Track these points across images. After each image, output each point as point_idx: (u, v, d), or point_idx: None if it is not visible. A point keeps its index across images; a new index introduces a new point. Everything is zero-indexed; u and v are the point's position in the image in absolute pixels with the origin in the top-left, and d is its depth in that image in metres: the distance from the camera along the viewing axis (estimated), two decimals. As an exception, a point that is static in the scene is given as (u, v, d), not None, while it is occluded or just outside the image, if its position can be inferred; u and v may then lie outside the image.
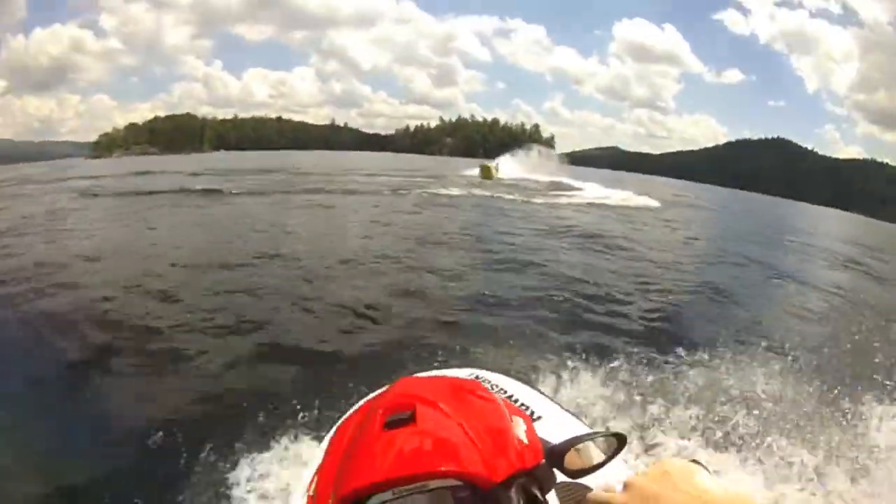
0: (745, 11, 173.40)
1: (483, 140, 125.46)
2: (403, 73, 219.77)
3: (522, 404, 1.51)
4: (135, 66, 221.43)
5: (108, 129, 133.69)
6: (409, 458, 0.97)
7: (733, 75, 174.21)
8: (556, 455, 1.09)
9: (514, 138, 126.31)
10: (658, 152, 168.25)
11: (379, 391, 1.35)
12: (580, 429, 1.41)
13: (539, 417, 1.44)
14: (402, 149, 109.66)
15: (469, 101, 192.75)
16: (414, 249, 12.35)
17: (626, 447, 1.11)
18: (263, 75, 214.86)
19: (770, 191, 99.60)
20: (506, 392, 1.55)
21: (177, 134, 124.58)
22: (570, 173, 48.91)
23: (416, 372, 1.67)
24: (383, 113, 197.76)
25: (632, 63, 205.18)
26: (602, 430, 1.45)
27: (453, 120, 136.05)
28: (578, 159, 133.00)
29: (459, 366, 1.85)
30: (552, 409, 1.60)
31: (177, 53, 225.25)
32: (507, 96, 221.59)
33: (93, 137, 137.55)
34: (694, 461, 0.96)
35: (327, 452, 1.15)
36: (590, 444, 1.12)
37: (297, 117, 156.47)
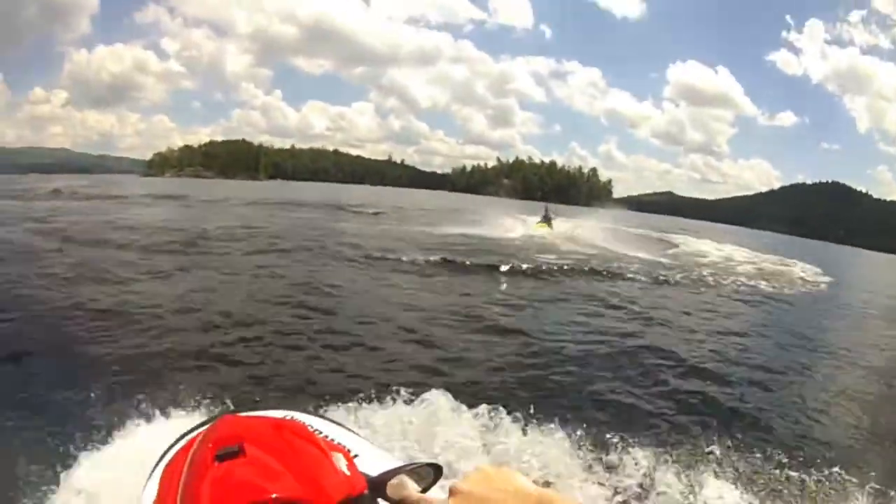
0: (796, 51, 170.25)
1: (541, 182, 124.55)
2: (461, 113, 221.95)
3: (338, 442, 1.47)
4: (195, 90, 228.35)
5: (163, 149, 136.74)
6: (244, 487, 1.00)
7: (786, 118, 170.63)
8: (378, 485, 1.14)
9: (572, 182, 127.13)
10: (713, 198, 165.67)
11: (201, 428, 1.48)
12: (396, 462, 1.38)
13: (356, 455, 1.39)
14: (458, 188, 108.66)
15: (526, 143, 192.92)
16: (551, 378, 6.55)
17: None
18: (322, 108, 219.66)
19: (827, 236, 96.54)
20: (321, 432, 1.47)
21: (232, 159, 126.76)
22: (648, 225, 45.03)
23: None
24: (440, 151, 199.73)
25: (686, 106, 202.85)
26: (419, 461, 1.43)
27: (510, 161, 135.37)
28: (634, 204, 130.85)
29: (277, 408, 1.73)
30: (366, 445, 1.63)
31: (237, 80, 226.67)
32: (563, 139, 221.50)
33: (148, 156, 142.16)
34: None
35: (162, 486, 1.21)
36: (406, 475, 1.18)
37: (354, 151, 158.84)
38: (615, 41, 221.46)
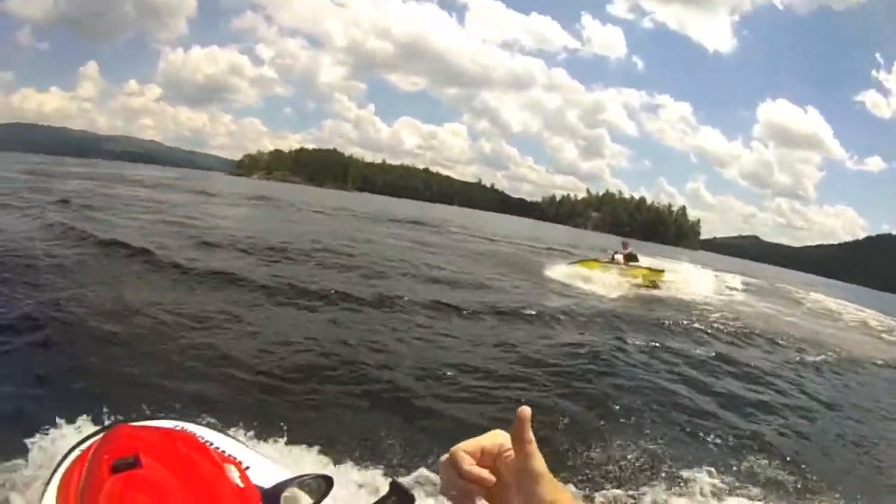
0: (885, 92, 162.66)
1: (629, 218, 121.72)
2: (552, 142, 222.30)
3: (230, 454, 1.51)
4: (287, 96, 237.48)
5: (253, 151, 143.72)
6: (140, 500, 0.99)
7: (875, 163, 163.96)
8: (271, 497, 1.14)
9: (660, 220, 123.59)
10: (797, 244, 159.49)
11: (95, 437, 1.44)
12: (286, 474, 1.43)
13: (248, 467, 1.43)
14: (546, 217, 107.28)
15: (615, 176, 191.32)
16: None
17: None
18: (414, 126, 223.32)
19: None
20: (212, 443, 1.56)
21: (322, 167, 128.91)
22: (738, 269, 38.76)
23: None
24: (529, 178, 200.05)
25: (774, 147, 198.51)
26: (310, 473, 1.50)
27: (600, 194, 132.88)
28: (718, 247, 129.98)
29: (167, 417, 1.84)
30: (256, 458, 1.61)
31: (330, 91, 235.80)
32: (652, 174, 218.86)
33: (238, 156, 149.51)
34: None
35: (60, 496, 1.18)
36: (298, 487, 1.21)
37: (444, 171, 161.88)
38: (706, 75, 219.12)
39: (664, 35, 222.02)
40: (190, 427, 1.73)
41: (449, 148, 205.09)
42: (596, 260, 16.37)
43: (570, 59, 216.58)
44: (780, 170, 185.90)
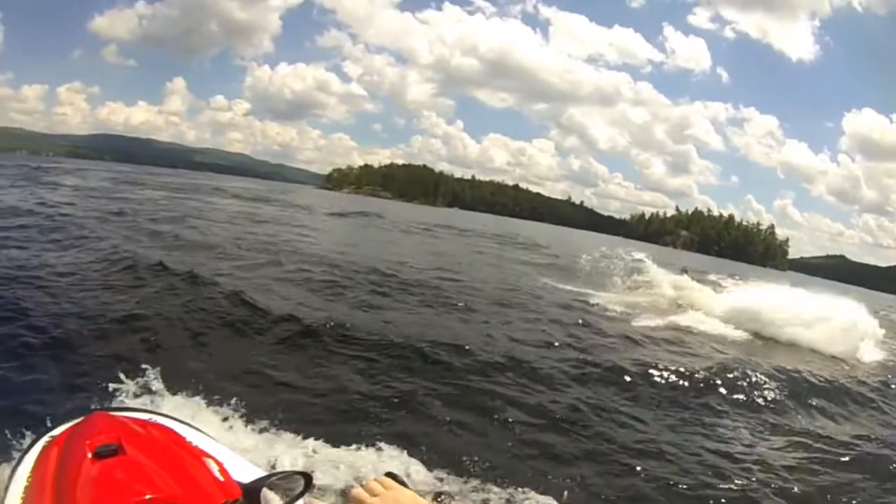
0: None
1: (718, 237, 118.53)
2: (639, 158, 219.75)
3: (205, 449, 1.46)
4: (376, 113, 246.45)
5: (342, 166, 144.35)
6: (126, 486, 1.05)
7: None
8: (252, 492, 1.18)
9: (749, 240, 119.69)
10: (884, 264, 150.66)
11: (69, 424, 1.50)
12: (261, 472, 1.46)
13: (223, 462, 1.37)
14: (635, 235, 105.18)
15: (702, 193, 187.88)
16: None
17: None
18: (503, 142, 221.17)
19: None
20: (186, 437, 1.52)
21: (411, 182, 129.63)
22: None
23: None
24: (617, 195, 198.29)
25: (862, 160, 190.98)
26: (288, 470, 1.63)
27: (689, 211, 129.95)
28: (805, 267, 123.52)
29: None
30: (231, 454, 1.64)
31: (418, 108, 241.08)
32: (739, 190, 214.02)
33: (326, 170, 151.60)
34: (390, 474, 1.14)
35: (35, 480, 1.22)
36: (276, 483, 1.26)
37: (533, 188, 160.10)
38: (791, 85, 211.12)
39: (747, 44, 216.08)
40: (161, 419, 1.73)
41: (537, 164, 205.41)
42: None
43: (655, 73, 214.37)
44: (868, 185, 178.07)
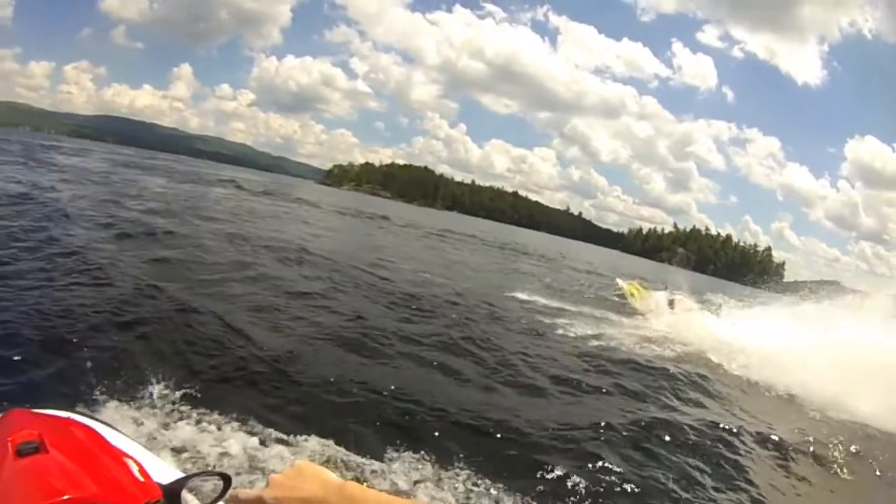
0: None
1: (714, 256, 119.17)
2: (640, 173, 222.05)
3: (124, 450, 1.39)
4: (380, 111, 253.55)
5: (343, 162, 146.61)
6: (50, 485, 1.03)
7: None
8: (172, 493, 1.15)
9: (745, 261, 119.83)
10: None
11: None
12: (179, 473, 1.43)
13: (142, 463, 1.32)
14: (631, 250, 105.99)
15: (700, 211, 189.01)
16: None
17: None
18: (505, 149, 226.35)
19: None
20: (106, 437, 1.45)
21: (412, 183, 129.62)
22: None
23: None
24: (615, 209, 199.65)
25: (862, 187, 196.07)
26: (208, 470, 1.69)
27: (687, 229, 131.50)
28: (794, 289, 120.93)
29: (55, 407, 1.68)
30: (150, 455, 1.59)
31: (423, 109, 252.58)
32: (737, 211, 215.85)
33: (327, 165, 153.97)
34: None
35: None
36: (195, 484, 1.25)
37: (533, 196, 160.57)
38: (796, 109, 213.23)
39: (754, 65, 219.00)
40: (83, 419, 1.67)
41: (538, 173, 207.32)
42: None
43: (661, 88, 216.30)
44: (867, 212, 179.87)
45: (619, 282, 17.02)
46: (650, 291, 15.75)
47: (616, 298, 16.08)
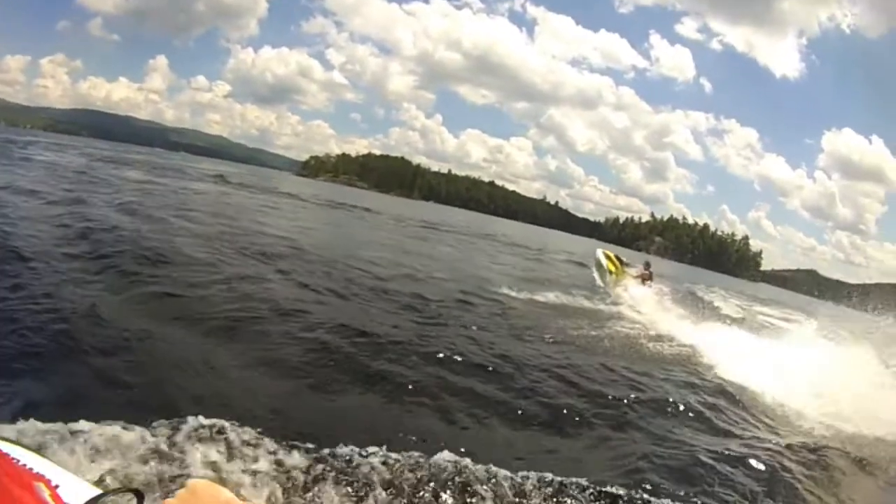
0: None
1: (692, 245, 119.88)
2: (617, 162, 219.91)
3: (37, 471, 1.40)
4: (356, 102, 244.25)
5: (319, 154, 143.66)
6: None
7: None
8: None
9: (723, 249, 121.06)
10: (854, 281, 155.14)
11: None
12: (95, 491, 1.36)
13: (57, 485, 1.34)
14: (608, 238, 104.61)
15: (678, 201, 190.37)
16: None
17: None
18: (482, 139, 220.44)
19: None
20: (18, 460, 1.44)
21: (389, 174, 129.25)
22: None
23: None
24: (592, 198, 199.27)
25: (838, 178, 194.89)
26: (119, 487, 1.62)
27: (664, 218, 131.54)
28: (771, 278, 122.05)
29: None
30: (64, 475, 1.50)
31: (399, 100, 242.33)
32: (715, 200, 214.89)
33: (303, 157, 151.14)
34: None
35: None
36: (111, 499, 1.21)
37: (509, 186, 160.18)
38: (773, 101, 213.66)
39: (732, 57, 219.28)
40: None
41: (514, 163, 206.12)
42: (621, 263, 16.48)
43: (638, 79, 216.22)
44: (843, 203, 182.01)
45: (598, 252, 17.45)
46: (625, 269, 16.04)
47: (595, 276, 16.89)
